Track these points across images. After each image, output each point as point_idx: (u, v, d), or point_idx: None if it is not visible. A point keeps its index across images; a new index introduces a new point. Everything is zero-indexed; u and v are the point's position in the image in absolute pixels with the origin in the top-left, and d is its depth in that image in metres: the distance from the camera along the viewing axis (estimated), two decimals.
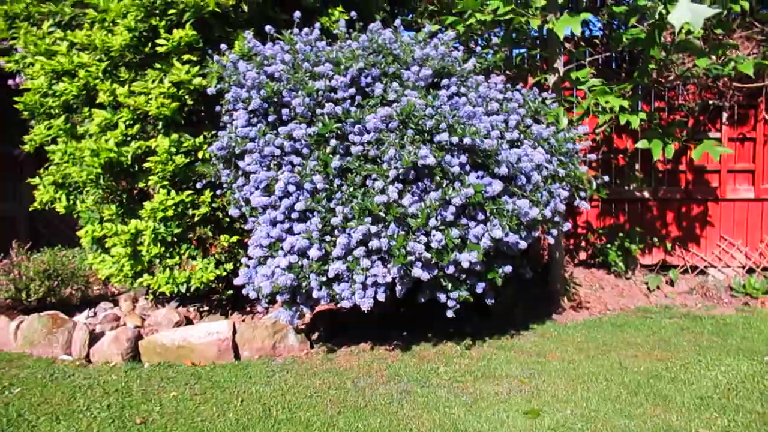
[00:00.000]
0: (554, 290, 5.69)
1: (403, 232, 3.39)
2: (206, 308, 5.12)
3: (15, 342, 4.54)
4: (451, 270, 3.53)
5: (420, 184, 3.51)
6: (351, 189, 3.46)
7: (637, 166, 6.62)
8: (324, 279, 3.56)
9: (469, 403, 3.34)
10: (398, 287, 3.60)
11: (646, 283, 6.22)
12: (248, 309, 5.07)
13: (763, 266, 6.34)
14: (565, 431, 2.97)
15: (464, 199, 3.37)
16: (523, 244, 3.64)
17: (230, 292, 4.96)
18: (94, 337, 4.43)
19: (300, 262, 3.61)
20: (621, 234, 6.44)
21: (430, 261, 3.47)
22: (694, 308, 5.65)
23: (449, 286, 3.65)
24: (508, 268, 3.76)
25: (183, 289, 4.63)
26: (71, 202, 5.00)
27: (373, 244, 3.33)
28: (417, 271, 3.40)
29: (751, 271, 6.38)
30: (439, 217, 3.43)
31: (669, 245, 6.51)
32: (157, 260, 4.67)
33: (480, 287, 3.75)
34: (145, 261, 4.66)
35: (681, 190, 6.55)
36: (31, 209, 5.15)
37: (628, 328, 4.94)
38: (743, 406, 3.24)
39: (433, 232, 3.39)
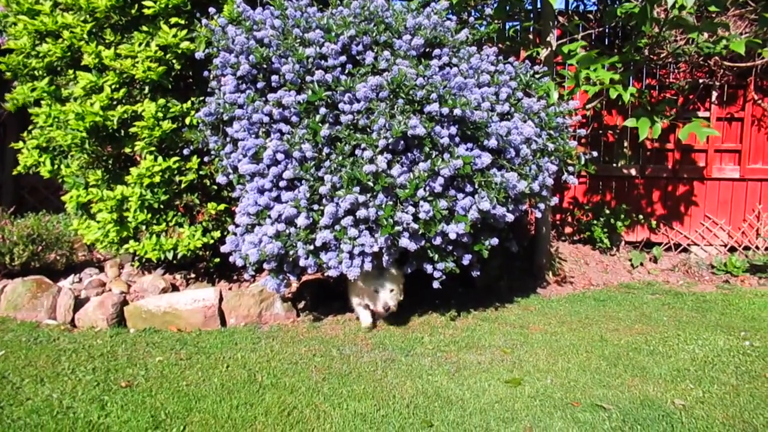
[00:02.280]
0: (539, 265, 5.75)
1: (391, 203, 3.39)
2: (193, 276, 5.12)
3: None
4: (438, 241, 3.54)
5: (409, 154, 3.50)
6: (340, 158, 3.44)
7: (625, 144, 6.66)
8: (311, 248, 3.57)
9: (452, 372, 3.40)
10: (385, 257, 3.61)
11: (630, 260, 6.31)
12: (235, 277, 5.08)
13: (745, 245, 6.45)
14: (544, 399, 3.03)
15: (453, 170, 3.37)
16: (510, 217, 3.66)
17: (217, 260, 4.95)
18: (79, 302, 4.42)
19: (287, 231, 3.60)
20: (607, 211, 6.50)
21: (418, 232, 3.48)
22: (675, 285, 5.75)
23: (436, 257, 3.67)
24: (495, 241, 3.79)
25: (170, 256, 4.61)
26: (56, 166, 4.92)
27: (361, 213, 3.33)
28: (404, 242, 3.41)
29: (732, 249, 6.49)
30: (427, 188, 3.43)
31: (654, 223, 6.59)
32: (144, 227, 4.64)
33: (466, 259, 3.78)
34: (131, 227, 4.63)
35: (668, 168, 6.60)
36: (14, 173, 5.07)
37: (610, 303, 5.03)
38: (718, 379, 3.33)
39: (421, 203, 3.39)
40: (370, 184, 3.31)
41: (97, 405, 2.95)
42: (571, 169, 4.18)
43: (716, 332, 4.15)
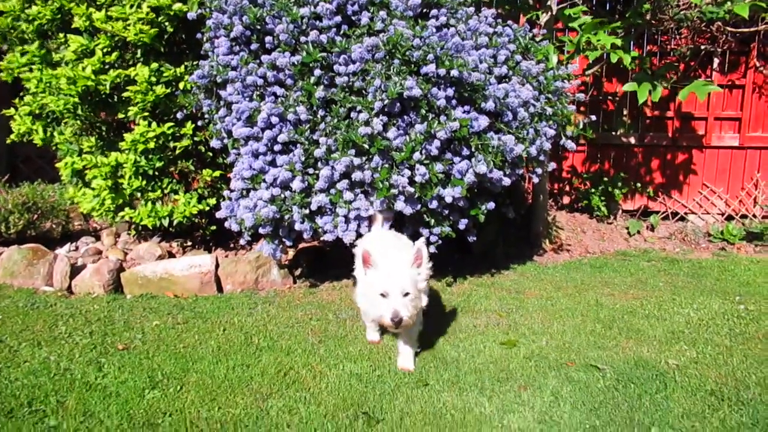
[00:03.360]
0: (536, 232, 5.74)
1: (387, 166, 3.36)
2: (189, 244, 5.11)
3: None
4: (434, 205, 3.53)
5: (405, 117, 3.46)
6: (335, 121, 3.40)
7: (625, 112, 6.60)
8: (306, 212, 3.55)
9: (448, 334, 3.41)
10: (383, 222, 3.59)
11: (627, 228, 6.30)
12: (232, 245, 5.07)
13: (742, 214, 6.44)
14: (539, 360, 3.05)
15: (449, 133, 3.34)
16: (507, 181, 3.64)
17: (213, 228, 4.94)
18: (75, 270, 4.42)
19: (282, 195, 3.58)
20: (605, 179, 6.48)
21: (414, 195, 3.46)
22: (672, 252, 5.76)
23: (432, 221, 3.66)
24: (491, 205, 3.77)
25: (165, 223, 4.59)
26: (49, 134, 4.87)
27: (356, 176, 3.30)
28: (400, 205, 3.39)
29: (729, 218, 6.49)
30: (423, 151, 3.40)
31: (652, 191, 6.57)
32: (139, 194, 4.61)
33: (462, 224, 3.77)
34: (127, 194, 4.60)
35: (667, 137, 6.55)
36: (8, 142, 5.02)
37: (606, 270, 5.04)
38: (712, 340, 3.35)
39: (417, 166, 3.36)
40: (366, 146, 3.28)
41: (95, 367, 2.97)
42: (569, 133, 4.15)
43: (711, 296, 4.17)
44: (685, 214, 6.57)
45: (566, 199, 6.79)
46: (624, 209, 6.64)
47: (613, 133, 6.61)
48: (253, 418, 2.47)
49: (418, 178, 3.35)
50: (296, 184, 3.43)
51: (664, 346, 3.26)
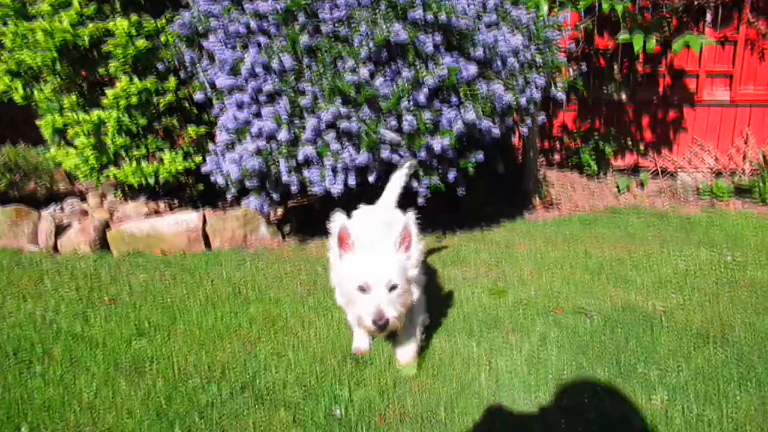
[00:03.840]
0: (526, 189, 5.72)
1: (375, 116, 3.30)
2: (176, 203, 5.05)
3: None
4: (422, 155, 3.48)
5: (393, 65, 3.38)
6: (321, 69, 3.32)
7: (616, 69, 6.52)
8: (293, 164, 3.50)
9: (436, 284, 3.41)
10: (369, 172, 3.55)
11: (617, 185, 6.30)
12: (220, 205, 5.01)
13: (731, 170, 6.44)
14: (527, 307, 3.06)
15: (438, 81, 3.27)
16: (496, 131, 3.59)
17: (201, 187, 4.88)
18: (61, 229, 4.36)
19: (268, 147, 3.52)
20: (596, 136, 6.44)
21: (401, 145, 3.41)
22: (661, 208, 5.77)
23: (420, 172, 3.62)
24: (480, 156, 3.73)
25: (151, 181, 4.52)
26: (29, 92, 4.74)
27: (344, 125, 3.25)
28: (387, 154, 3.34)
29: (719, 174, 6.49)
30: (411, 100, 3.33)
31: (642, 149, 6.55)
32: (123, 152, 4.52)
33: (452, 175, 3.73)
34: (111, 152, 4.51)
35: (659, 93, 6.49)
36: None
37: (596, 225, 5.04)
38: (699, 287, 3.37)
39: (405, 114, 3.31)
40: (353, 94, 3.21)
41: (81, 319, 2.95)
42: (559, 84, 4.08)
43: (699, 248, 4.19)
44: (675, 171, 6.57)
45: (557, 157, 6.76)
46: (614, 167, 6.62)
47: (605, 90, 6.54)
48: (241, 362, 2.47)
49: (405, 127, 3.30)
50: (282, 135, 3.36)
51: (651, 293, 3.28)
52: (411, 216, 2.19)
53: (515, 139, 6.42)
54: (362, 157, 3.33)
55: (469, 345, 2.61)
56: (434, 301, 3.14)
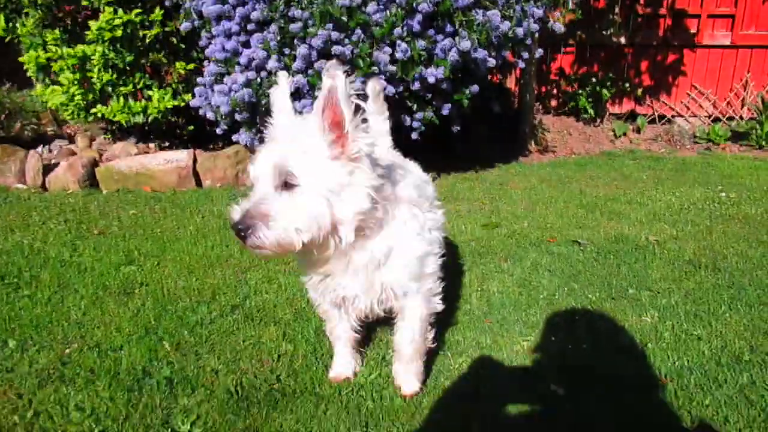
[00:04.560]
0: (522, 133, 5.65)
1: (367, 43, 3.20)
2: (167, 144, 4.96)
3: None
4: (416, 86, 3.40)
5: None
6: None
7: (616, 10, 6.35)
8: None
9: None
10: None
11: (614, 131, 6.23)
12: (211, 147, 4.93)
13: (729, 116, 6.36)
14: (520, 238, 3.04)
15: (432, 6, 3.16)
16: (491, 62, 3.50)
17: (191, 128, 4.79)
18: (48, 168, 4.28)
19: (258, 78, 3.42)
20: (594, 80, 6.32)
21: (395, 75, 3.32)
22: (657, 152, 5.72)
23: (414, 106, 3.54)
24: (475, 88, 3.65)
25: (140, 119, 4.42)
26: (10, 25, 4.58)
27: (336, 50, 3.15)
28: (381, 82, 3.25)
29: (716, 120, 6.41)
30: (405, 27, 3.23)
31: (640, 92, 6.44)
32: (110, 88, 4.41)
33: (446, 109, 3.66)
34: (97, 89, 4.39)
35: (658, 36, 6.35)
36: None
37: (591, 167, 5.00)
38: (692, 221, 3.35)
39: (399, 42, 3.21)
40: (344, 19, 3.10)
41: (69, 248, 2.91)
42: (558, 14, 3.97)
43: (693, 186, 4.16)
44: (672, 117, 6.48)
45: (553, 103, 6.66)
46: (611, 113, 6.54)
47: (603, 32, 6.39)
48: (231, 286, 2.45)
49: (399, 55, 3.21)
50: (272, 64, 3.27)
51: (644, 226, 3.26)
52: (339, 74, 1.34)
53: (511, 84, 6.31)
54: (356, 83, 3.23)
55: (461, 271, 2.60)
56: None
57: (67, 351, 1.92)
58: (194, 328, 2.09)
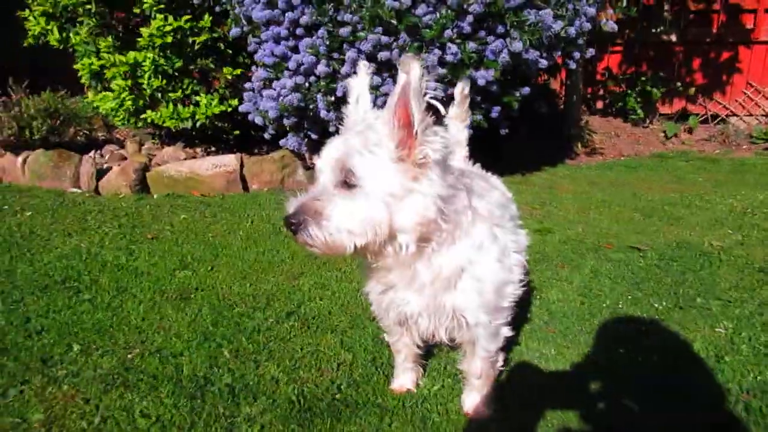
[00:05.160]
0: (569, 135, 5.52)
1: (415, 44, 3.16)
2: (213, 149, 5.03)
3: (23, 176, 4.51)
4: None
5: None
6: None
7: (666, 7, 6.15)
8: (332, 99, 3.40)
9: None
10: None
11: (664, 132, 6.03)
12: (256, 151, 4.98)
13: None
14: (576, 244, 2.95)
15: (482, 6, 3.10)
16: (543, 63, 3.42)
17: (237, 132, 4.84)
18: (101, 173, 4.39)
19: (306, 83, 3.42)
20: (643, 79, 6.14)
21: (444, 78, 3.27)
22: (711, 153, 5.52)
23: None
24: (526, 90, 3.57)
25: (188, 125, 4.49)
26: (64, 34, 4.71)
27: (383, 55, 3.12)
28: (431, 85, 3.21)
29: None
30: (455, 29, 3.18)
31: (692, 91, 6.22)
32: (159, 94, 4.49)
33: (495, 111, 3.59)
34: (147, 95, 4.49)
35: (711, 32, 6.12)
36: (25, 45, 4.88)
37: (642, 169, 4.85)
38: (758, 225, 3.20)
39: (449, 44, 3.16)
40: (394, 22, 3.07)
41: (125, 252, 2.96)
42: (610, 11, 3.85)
43: (755, 189, 3.98)
44: (726, 116, 6.24)
45: (600, 104, 6.50)
46: (661, 113, 6.34)
47: (653, 30, 6.20)
48: (285, 292, 2.45)
49: (449, 57, 3.16)
50: (320, 69, 3.26)
51: (707, 231, 3.13)
52: (414, 67, 1.21)
53: (556, 85, 6.18)
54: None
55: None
56: None
57: (130, 356, 1.94)
58: (251, 334, 2.09)
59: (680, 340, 2.01)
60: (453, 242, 1.39)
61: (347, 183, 1.29)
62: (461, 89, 1.81)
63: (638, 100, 6.08)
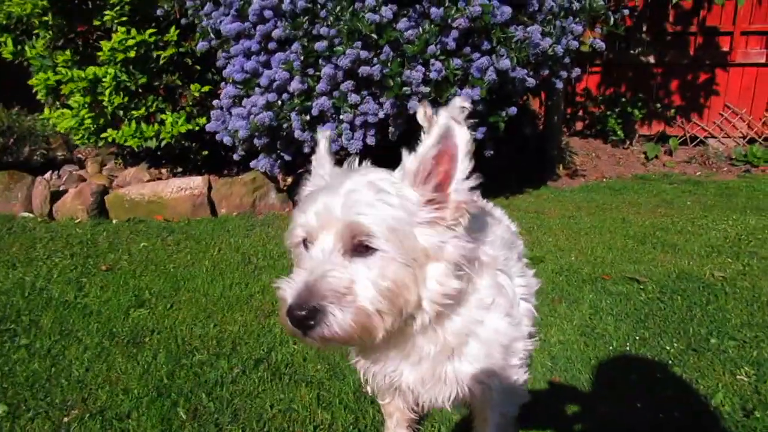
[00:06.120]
0: (550, 157, 5.38)
1: (398, 60, 2.95)
2: (180, 171, 4.73)
3: None
4: None
5: (418, 6, 3.03)
6: (338, 8, 2.96)
7: (644, 28, 6.11)
8: (307, 118, 3.16)
9: None
10: (391, 128, 3.22)
11: (645, 153, 5.95)
12: (225, 172, 4.69)
13: (765, 136, 6.06)
14: (570, 274, 2.75)
15: (468, 21, 2.91)
16: (531, 82, 3.25)
17: (206, 152, 4.56)
18: (57, 195, 4.05)
19: (279, 100, 3.18)
20: (623, 100, 6.06)
21: (428, 96, 3.07)
22: (693, 175, 5.43)
23: None
24: (513, 110, 3.39)
25: (152, 144, 4.19)
26: (19, 47, 4.39)
27: (363, 71, 2.90)
28: (413, 104, 3.00)
29: (752, 141, 6.11)
30: (439, 45, 2.98)
31: (671, 113, 6.17)
32: (122, 112, 4.19)
33: (480, 132, 3.39)
34: (108, 113, 4.18)
35: (689, 54, 6.09)
36: None
37: (627, 192, 4.71)
38: (756, 253, 3.04)
39: (433, 60, 2.96)
40: (374, 36, 2.86)
41: (74, 286, 2.65)
42: (597, 29, 3.72)
43: (746, 213, 3.86)
44: (705, 138, 6.20)
45: (579, 125, 6.41)
46: (640, 134, 6.26)
47: (631, 51, 6.15)
48: (254, 335, 2.17)
49: (433, 75, 2.96)
50: (294, 85, 3.03)
51: (705, 260, 2.96)
52: (456, 116, 1.03)
53: (536, 105, 6.06)
54: (386, 105, 2.98)
55: None
56: None
57: (66, 419, 1.64)
58: (213, 388, 1.81)
59: (701, 390, 1.79)
60: (459, 303, 1.13)
61: (362, 247, 1.02)
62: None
63: (618, 121, 6.00)
